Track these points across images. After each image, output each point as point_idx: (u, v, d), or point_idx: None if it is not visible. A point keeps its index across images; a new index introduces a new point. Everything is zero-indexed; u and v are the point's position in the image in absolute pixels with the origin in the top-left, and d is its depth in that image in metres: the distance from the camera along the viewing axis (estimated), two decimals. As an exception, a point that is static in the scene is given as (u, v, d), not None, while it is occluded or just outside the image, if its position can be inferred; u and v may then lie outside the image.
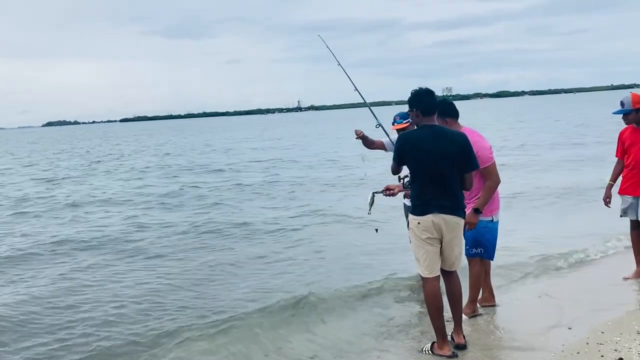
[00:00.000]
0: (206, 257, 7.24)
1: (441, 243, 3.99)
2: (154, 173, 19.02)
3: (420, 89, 4.08)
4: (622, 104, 5.29)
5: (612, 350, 3.92)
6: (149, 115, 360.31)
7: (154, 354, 4.48)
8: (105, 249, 7.95)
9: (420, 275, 4.09)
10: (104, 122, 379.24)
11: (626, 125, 5.41)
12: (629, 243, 5.68)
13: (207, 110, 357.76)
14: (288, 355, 4.38)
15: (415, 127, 4.21)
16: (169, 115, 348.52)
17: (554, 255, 6.47)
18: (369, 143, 5.31)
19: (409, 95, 4.09)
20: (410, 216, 4.06)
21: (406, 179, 4.24)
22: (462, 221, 4.03)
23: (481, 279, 4.83)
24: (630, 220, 5.51)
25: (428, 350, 4.10)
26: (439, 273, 4.05)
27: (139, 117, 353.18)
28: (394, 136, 5.17)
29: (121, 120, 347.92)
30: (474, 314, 4.74)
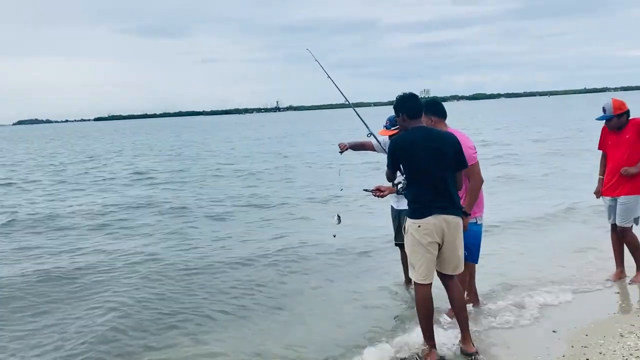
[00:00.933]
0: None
1: (440, 247, 3.94)
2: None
3: (405, 94, 4.14)
4: (603, 109, 5.40)
5: (596, 353, 3.95)
6: (124, 114, 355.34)
7: None
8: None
9: (414, 281, 4.04)
10: (78, 120, 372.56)
11: (611, 129, 5.45)
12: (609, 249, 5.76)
13: (184, 110, 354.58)
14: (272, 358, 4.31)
15: (399, 126, 4.27)
16: (144, 115, 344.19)
17: (537, 259, 6.54)
18: (358, 147, 5.25)
19: (395, 100, 4.15)
20: (409, 220, 3.99)
21: (399, 185, 4.20)
22: (461, 221, 3.99)
23: (466, 283, 4.81)
24: (611, 224, 5.60)
25: (416, 357, 4.06)
26: (432, 280, 4.00)
27: (113, 116, 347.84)
28: (380, 138, 5.14)
29: (95, 119, 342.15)
30: (459, 318, 4.72)
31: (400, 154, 3.98)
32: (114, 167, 21.81)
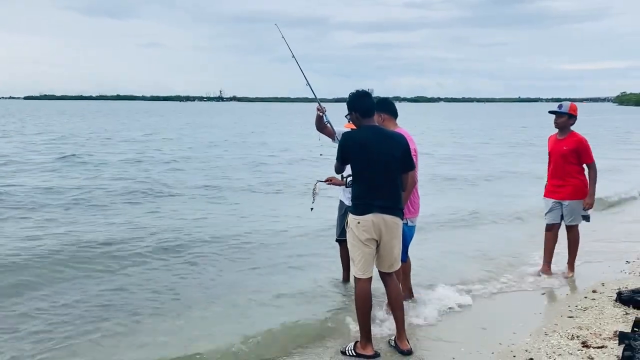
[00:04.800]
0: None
1: (378, 244, 4.00)
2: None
3: (358, 91, 4.16)
4: (560, 106, 5.78)
5: (523, 350, 4.12)
6: (57, 94, 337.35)
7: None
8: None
9: (354, 276, 4.09)
10: (6, 98, 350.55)
11: (555, 127, 5.84)
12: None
13: (122, 94, 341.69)
14: (207, 353, 4.19)
15: (352, 123, 4.28)
16: (79, 96, 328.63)
17: (471, 256, 6.79)
18: (322, 125, 5.23)
19: (348, 97, 4.16)
20: (351, 216, 4.04)
21: (349, 179, 4.22)
22: (400, 222, 4.06)
23: (399, 279, 4.89)
24: (546, 223, 5.99)
25: (351, 350, 4.09)
26: (372, 275, 4.06)
27: (45, 95, 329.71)
28: (337, 129, 5.17)
29: (25, 98, 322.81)
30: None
31: (350, 150, 4.01)
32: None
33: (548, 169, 5.95)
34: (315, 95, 5.33)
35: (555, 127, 5.84)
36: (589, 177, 5.71)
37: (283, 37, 5.39)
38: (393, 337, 4.22)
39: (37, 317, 4.78)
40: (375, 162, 3.92)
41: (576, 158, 5.68)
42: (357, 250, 3.99)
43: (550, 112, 5.90)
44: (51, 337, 4.41)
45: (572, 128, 5.79)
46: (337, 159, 4.14)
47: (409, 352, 4.10)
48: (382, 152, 3.94)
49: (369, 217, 3.92)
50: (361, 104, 4.09)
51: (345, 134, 4.19)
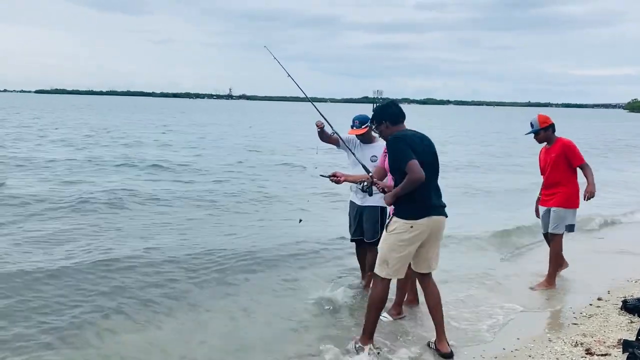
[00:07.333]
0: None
1: (420, 246, 4.00)
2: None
3: (385, 102, 4.28)
4: (531, 124, 5.73)
5: (526, 356, 4.12)
6: (68, 88, 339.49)
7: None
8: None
9: (380, 276, 4.02)
10: (17, 91, 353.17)
11: (539, 144, 5.84)
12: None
13: (132, 89, 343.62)
14: (216, 348, 4.24)
15: (379, 136, 4.46)
16: (90, 91, 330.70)
17: (474, 259, 6.77)
18: (325, 136, 5.28)
19: (373, 112, 4.24)
20: (400, 220, 3.90)
21: (364, 183, 4.25)
22: (445, 221, 4.08)
23: (408, 282, 4.90)
24: (543, 233, 5.94)
25: (359, 347, 4.07)
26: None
27: (56, 89, 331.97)
28: (345, 136, 5.20)
29: (37, 92, 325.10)
30: (399, 317, 4.80)
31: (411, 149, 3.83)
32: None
33: (544, 181, 5.82)
34: (317, 108, 5.33)
35: (540, 143, 5.81)
36: (585, 175, 5.54)
37: (275, 58, 5.46)
38: (433, 340, 4.21)
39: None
40: (426, 164, 3.84)
41: (566, 163, 5.57)
42: (397, 254, 3.92)
43: (526, 134, 5.84)
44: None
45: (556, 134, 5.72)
46: (403, 161, 3.77)
47: (450, 355, 4.06)
48: (429, 153, 3.97)
49: (424, 221, 3.89)
50: (390, 113, 4.16)
51: (399, 136, 3.97)
